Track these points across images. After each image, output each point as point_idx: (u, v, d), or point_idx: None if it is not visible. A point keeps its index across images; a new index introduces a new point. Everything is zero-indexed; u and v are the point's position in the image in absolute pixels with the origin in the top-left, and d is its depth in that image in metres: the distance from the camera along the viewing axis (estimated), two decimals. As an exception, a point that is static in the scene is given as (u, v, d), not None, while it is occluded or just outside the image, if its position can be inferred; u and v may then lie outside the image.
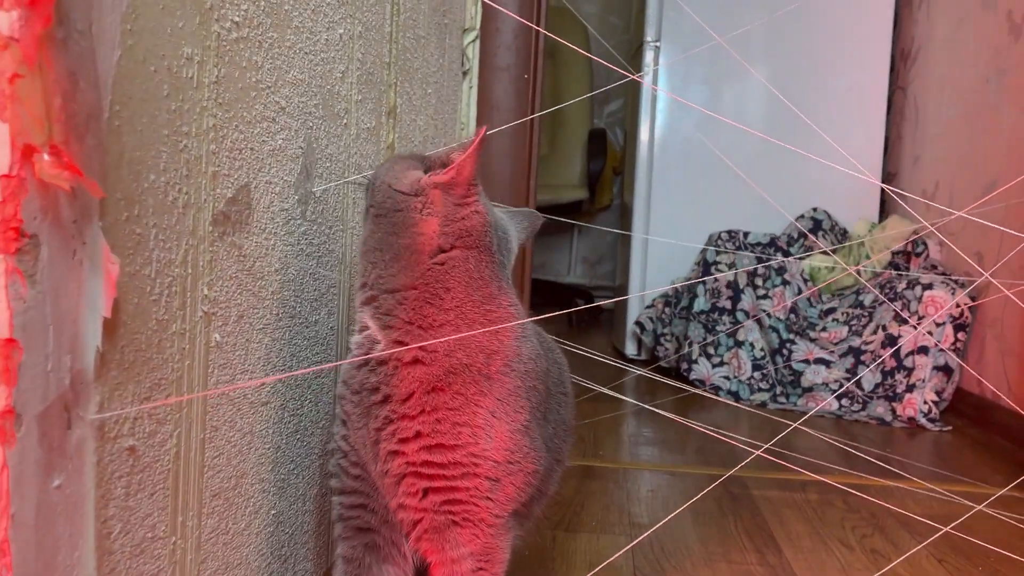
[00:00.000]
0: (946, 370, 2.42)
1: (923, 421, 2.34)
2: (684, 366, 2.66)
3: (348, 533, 0.79)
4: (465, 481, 0.74)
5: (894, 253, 2.76)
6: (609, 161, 4.40)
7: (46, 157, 0.44)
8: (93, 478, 0.52)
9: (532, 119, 1.75)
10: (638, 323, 3.03)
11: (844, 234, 2.92)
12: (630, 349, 3.14)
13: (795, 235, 2.89)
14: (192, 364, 0.64)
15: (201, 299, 0.65)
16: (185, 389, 0.63)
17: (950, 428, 2.31)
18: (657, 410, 1.26)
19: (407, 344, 0.72)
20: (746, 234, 2.75)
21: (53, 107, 0.45)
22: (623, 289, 3.33)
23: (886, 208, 3.07)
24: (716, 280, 2.66)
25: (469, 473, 0.74)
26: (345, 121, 0.98)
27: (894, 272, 2.64)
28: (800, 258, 2.77)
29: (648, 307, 3.04)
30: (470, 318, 0.73)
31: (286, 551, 0.87)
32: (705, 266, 2.72)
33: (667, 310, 2.92)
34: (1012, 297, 0.85)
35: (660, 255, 3.06)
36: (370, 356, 0.74)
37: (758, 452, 1.03)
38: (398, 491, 0.75)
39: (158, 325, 0.59)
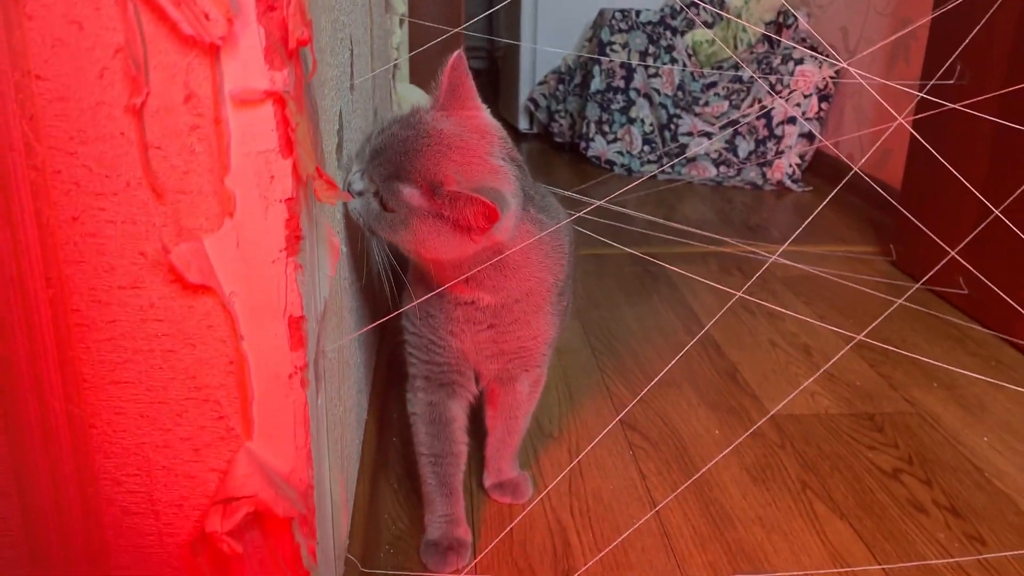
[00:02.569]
0: (809, 136, 2.75)
1: (788, 183, 2.70)
2: (582, 144, 2.87)
3: (432, 387, 0.99)
4: (537, 349, 0.97)
5: (766, 24, 2.97)
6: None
7: (319, 183, 0.56)
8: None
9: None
10: (532, 99, 3.16)
11: (722, 4, 3.08)
12: (523, 124, 3.30)
13: (678, 7, 3.03)
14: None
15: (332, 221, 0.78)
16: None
17: (811, 188, 2.69)
18: (618, 207, 1.46)
19: (516, 297, 0.90)
20: (638, 12, 2.86)
21: (314, 139, 0.56)
22: (512, 57, 3.39)
23: (758, -25, 3.22)
24: (611, 60, 2.80)
25: (542, 343, 0.97)
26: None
27: (768, 47, 2.86)
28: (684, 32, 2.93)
29: (540, 83, 3.16)
30: (545, 250, 0.90)
31: (362, 385, 1.07)
32: (600, 46, 2.84)
33: (560, 87, 3.07)
34: (867, 87, 1.03)
35: (550, 28, 3.13)
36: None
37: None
38: (488, 362, 0.97)
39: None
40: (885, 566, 1.00)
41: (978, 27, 1.62)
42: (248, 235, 0.56)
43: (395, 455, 1.20)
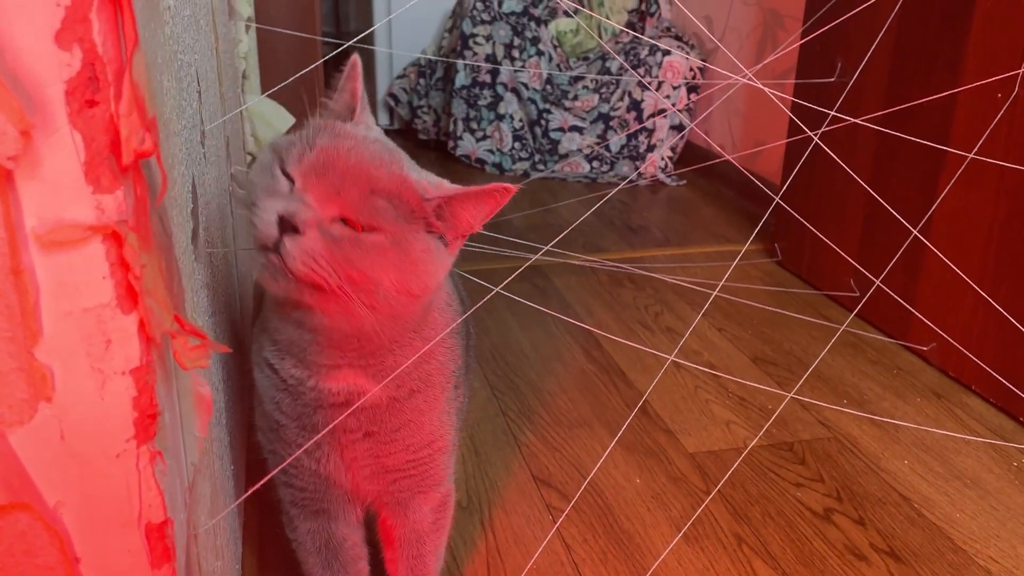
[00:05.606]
0: (679, 128, 2.71)
1: (662, 177, 2.65)
2: (450, 143, 2.71)
3: (307, 515, 0.81)
4: (434, 461, 0.79)
5: (629, 12, 2.90)
6: None
7: (180, 342, 0.39)
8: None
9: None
10: (391, 94, 2.97)
11: (583, -8, 2.98)
12: (383, 119, 3.09)
13: (539, -5, 2.90)
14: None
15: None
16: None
17: (684, 182, 2.65)
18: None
19: (412, 387, 0.72)
20: (500, 1, 2.72)
21: (168, 279, 0.39)
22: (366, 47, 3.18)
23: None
24: (475, 54, 2.65)
25: (438, 451, 0.78)
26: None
27: (631, 33, 2.79)
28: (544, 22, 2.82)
29: (399, 77, 2.97)
30: (445, 325, 0.74)
31: (234, 478, 0.89)
32: (463, 38, 2.68)
33: (421, 81, 2.89)
34: (762, 87, 0.97)
35: (405, 18, 2.94)
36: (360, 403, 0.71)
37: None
38: (366, 483, 0.77)
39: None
40: (839, 634, 0.92)
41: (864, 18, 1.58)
42: (77, 424, 0.39)
43: (279, 552, 1.02)
